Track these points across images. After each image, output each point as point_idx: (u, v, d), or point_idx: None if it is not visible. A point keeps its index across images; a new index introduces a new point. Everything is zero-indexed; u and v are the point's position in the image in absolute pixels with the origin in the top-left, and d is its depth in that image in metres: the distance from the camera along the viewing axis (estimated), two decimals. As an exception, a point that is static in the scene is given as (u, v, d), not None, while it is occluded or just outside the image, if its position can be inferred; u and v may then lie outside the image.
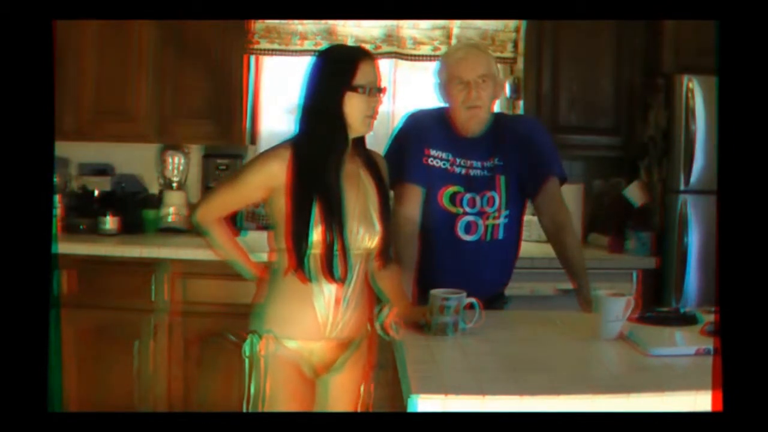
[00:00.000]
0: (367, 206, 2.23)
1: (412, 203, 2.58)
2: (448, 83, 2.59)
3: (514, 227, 2.69)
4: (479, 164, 2.62)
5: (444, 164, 2.61)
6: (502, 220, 2.63)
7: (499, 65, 2.89)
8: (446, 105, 2.63)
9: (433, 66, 2.71)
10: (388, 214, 2.28)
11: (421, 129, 2.66)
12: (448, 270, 2.57)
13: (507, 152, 2.62)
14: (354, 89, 2.15)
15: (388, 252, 2.30)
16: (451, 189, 2.61)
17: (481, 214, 2.61)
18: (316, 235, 2.13)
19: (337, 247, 2.14)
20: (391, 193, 2.50)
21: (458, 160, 2.61)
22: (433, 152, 2.62)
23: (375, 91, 2.18)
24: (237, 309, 2.43)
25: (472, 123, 2.59)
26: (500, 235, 2.63)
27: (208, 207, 2.33)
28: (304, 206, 2.13)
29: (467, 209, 2.60)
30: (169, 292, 3.55)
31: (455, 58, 2.61)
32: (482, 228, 2.61)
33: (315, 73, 2.19)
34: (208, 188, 3.94)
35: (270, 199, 2.20)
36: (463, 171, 2.61)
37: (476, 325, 2.15)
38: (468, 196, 2.60)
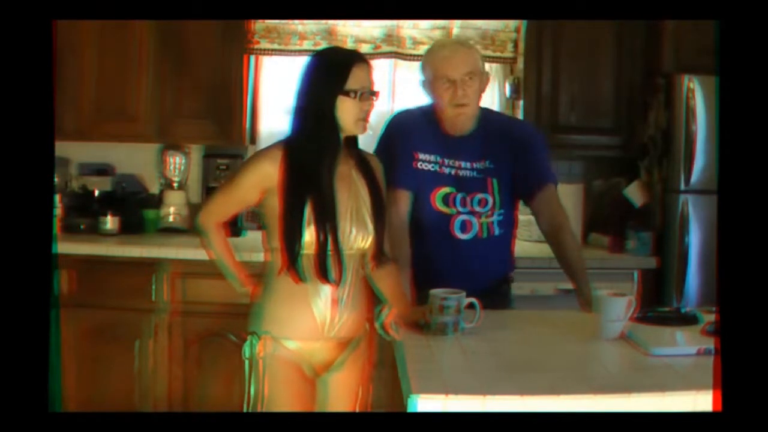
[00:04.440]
0: (359, 207, 2.23)
1: (402, 207, 2.57)
2: (434, 81, 2.55)
3: (509, 221, 2.71)
4: (468, 164, 2.61)
5: (433, 167, 2.60)
6: (496, 218, 2.63)
7: (490, 64, 2.87)
8: (432, 102, 2.59)
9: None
10: (382, 215, 2.27)
11: (409, 132, 2.64)
12: (448, 269, 2.57)
13: (499, 155, 2.61)
14: (346, 93, 2.15)
15: (383, 252, 2.30)
16: (443, 190, 2.60)
17: (473, 213, 2.61)
18: (309, 235, 2.14)
19: (329, 247, 2.15)
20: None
21: (446, 161, 2.60)
22: (421, 156, 2.60)
23: (368, 95, 2.19)
24: (237, 309, 2.42)
25: (459, 121, 2.57)
26: (496, 231, 2.64)
27: (208, 211, 2.34)
28: (296, 206, 2.14)
29: (460, 209, 2.60)
30: (169, 292, 3.55)
31: (441, 56, 2.56)
32: (477, 226, 2.61)
33: (309, 75, 2.20)
34: (208, 188, 3.94)
35: (264, 199, 2.20)
36: (453, 171, 2.61)
37: (476, 324, 2.15)
38: (459, 196, 2.60)
